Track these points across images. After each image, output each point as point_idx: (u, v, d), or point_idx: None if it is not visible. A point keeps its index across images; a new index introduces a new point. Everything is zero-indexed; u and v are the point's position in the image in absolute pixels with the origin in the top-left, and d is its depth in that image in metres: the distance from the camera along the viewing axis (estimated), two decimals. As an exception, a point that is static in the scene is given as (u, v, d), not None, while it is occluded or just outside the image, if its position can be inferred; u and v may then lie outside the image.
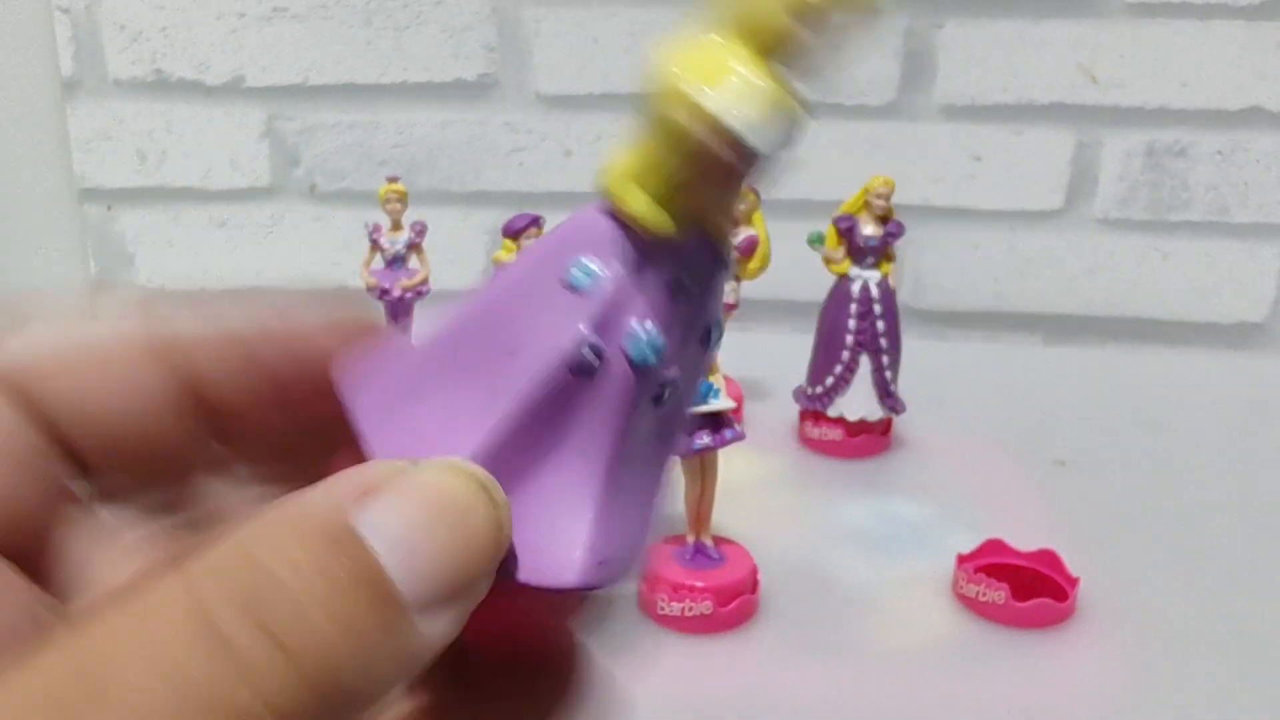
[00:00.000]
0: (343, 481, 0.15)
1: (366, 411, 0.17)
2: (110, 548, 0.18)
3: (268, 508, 0.14)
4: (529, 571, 0.16)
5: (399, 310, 0.60)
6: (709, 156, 0.16)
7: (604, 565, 0.17)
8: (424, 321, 0.63)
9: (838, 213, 0.60)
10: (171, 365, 0.18)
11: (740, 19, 0.16)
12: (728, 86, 0.15)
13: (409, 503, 0.14)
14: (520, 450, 0.16)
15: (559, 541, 0.17)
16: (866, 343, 0.60)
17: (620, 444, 0.17)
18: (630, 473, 0.17)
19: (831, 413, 0.61)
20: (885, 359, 0.60)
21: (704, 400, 0.43)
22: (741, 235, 0.61)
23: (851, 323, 0.60)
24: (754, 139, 0.15)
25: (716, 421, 0.43)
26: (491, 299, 0.17)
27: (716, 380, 0.44)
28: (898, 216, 0.60)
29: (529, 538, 0.16)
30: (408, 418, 0.17)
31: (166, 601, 0.13)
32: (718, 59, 0.16)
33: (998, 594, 0.46)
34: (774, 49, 0.16)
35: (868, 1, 0.16)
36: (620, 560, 0.17)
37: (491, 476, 0.15)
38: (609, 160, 0.17)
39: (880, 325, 0.60)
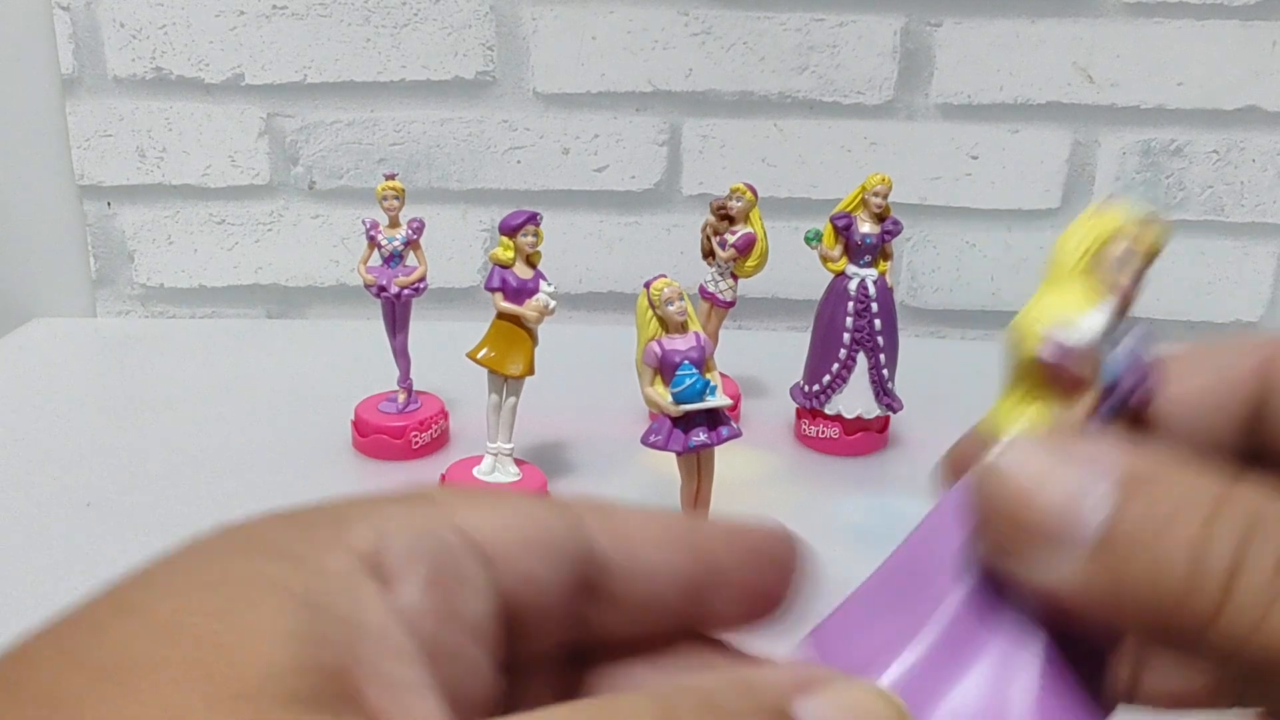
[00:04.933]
0: (788, 671, 0.17)
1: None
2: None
3: (726, 672, 0.18)
4: None
5: (397, 307, 0.60)
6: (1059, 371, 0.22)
7: None
8: (422, 318, 0.63)
9: (835, 211, 0.60)
10: (574, 559, 0.19)
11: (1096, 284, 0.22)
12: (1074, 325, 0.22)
13: (840, 709, 0.16)
14: (934, 676, 0.19)
15: None
16: (864, 340, 0.60)
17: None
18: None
19: (829, 410, 0.61)
20: (882, 357, 0.61)
21: (701, 397, 0.43)
22: (739, 233, 0.62)
23: (849, 320, 0.60)
24: (1089, 354, 0.21)
25: (713, 419, 0.44)
26: (912, 543, 0.21)
27: (714, 378, 0.44)
28: (895, 215, 0.60)
29: None
30: (841, 632, 0.20)
31: (635, 706, 0.15)
32: (1074, 305, 0.22)
33: None
34: (1105, 294, 0.22)
35: (1158, 253, 0.22)
36: None
37: (905, 706, 0.17)
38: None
39: (877, 323, 0.60)
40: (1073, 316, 0.22)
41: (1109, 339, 0.22)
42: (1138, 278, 0.22)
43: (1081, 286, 0.23)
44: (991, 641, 0.19)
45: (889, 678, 0.18)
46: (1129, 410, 0.22)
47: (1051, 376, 0.22)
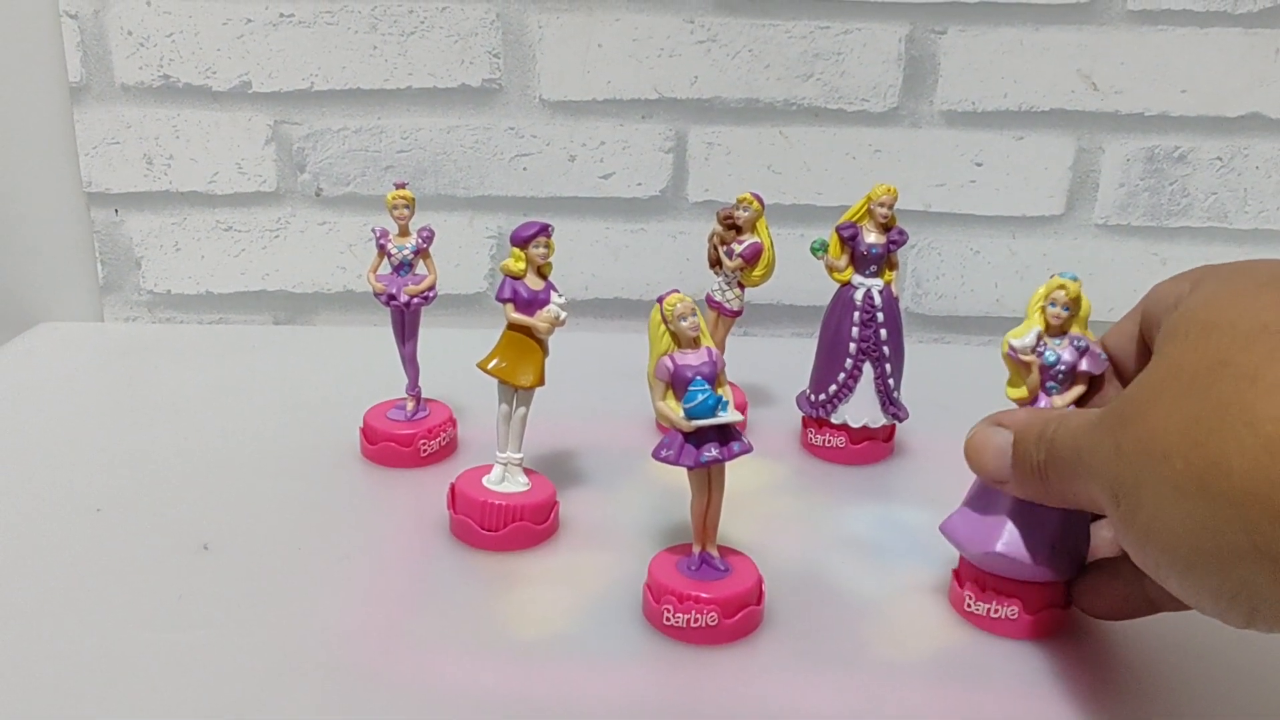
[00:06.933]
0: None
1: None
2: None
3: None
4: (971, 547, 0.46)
5: (406, 316, 0.60)
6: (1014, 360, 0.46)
7: (1004, 557, 0.44)
8: (429, 325, 0.64)
9: (840, 221, 0.60)
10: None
11: (1037, 318, 0.45)
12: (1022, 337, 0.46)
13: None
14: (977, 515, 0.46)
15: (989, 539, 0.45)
16: (869, 350, 0.61)
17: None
18: (1034, 525, 0.44)
19: (835, 419, 0.62)
20: (888, 366, 0.61)
21: (713, 413, 0.43)
22: (746, 243, 0.62)
23: (854, 330, 0.60)
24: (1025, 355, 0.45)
25: (724, 434, 0.44)
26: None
27: (725, 393, 0.44)
28: (899, 222, 0.60)
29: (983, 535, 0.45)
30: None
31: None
32: (1024, 329, 0.46)
33: (1010, 609, 0.46)
34: (1039, 324, 0.45)
35: (1078, 298, 0.45)
36: (1019, 562, 0.44)
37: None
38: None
39: (883, 333, 0.60)
40: (1020, 333, 0.45)
41: (1043, 345, 0.45)
42: (1061, 316, 0.45)
43: (1034, 319, 0.45)
44: (999, 506, 0.45)
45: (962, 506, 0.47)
46: (1084, 376, 0.45)
47: (1014, 363, 0.46)
